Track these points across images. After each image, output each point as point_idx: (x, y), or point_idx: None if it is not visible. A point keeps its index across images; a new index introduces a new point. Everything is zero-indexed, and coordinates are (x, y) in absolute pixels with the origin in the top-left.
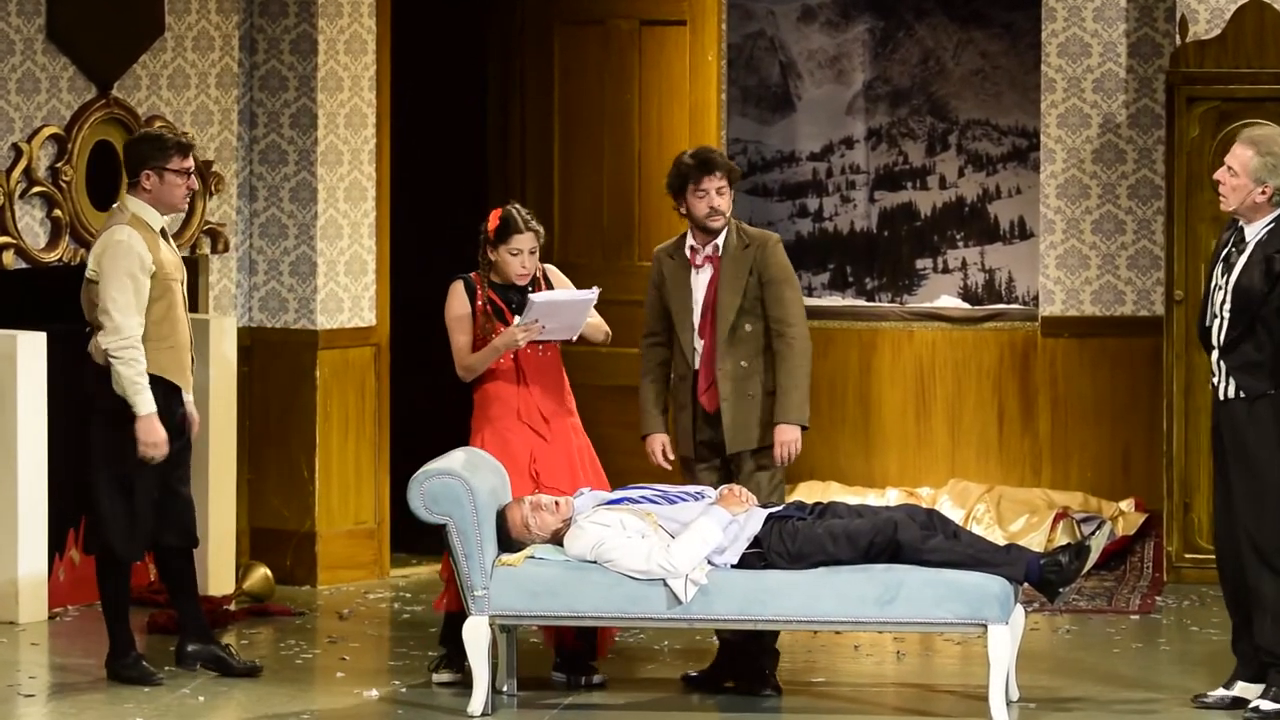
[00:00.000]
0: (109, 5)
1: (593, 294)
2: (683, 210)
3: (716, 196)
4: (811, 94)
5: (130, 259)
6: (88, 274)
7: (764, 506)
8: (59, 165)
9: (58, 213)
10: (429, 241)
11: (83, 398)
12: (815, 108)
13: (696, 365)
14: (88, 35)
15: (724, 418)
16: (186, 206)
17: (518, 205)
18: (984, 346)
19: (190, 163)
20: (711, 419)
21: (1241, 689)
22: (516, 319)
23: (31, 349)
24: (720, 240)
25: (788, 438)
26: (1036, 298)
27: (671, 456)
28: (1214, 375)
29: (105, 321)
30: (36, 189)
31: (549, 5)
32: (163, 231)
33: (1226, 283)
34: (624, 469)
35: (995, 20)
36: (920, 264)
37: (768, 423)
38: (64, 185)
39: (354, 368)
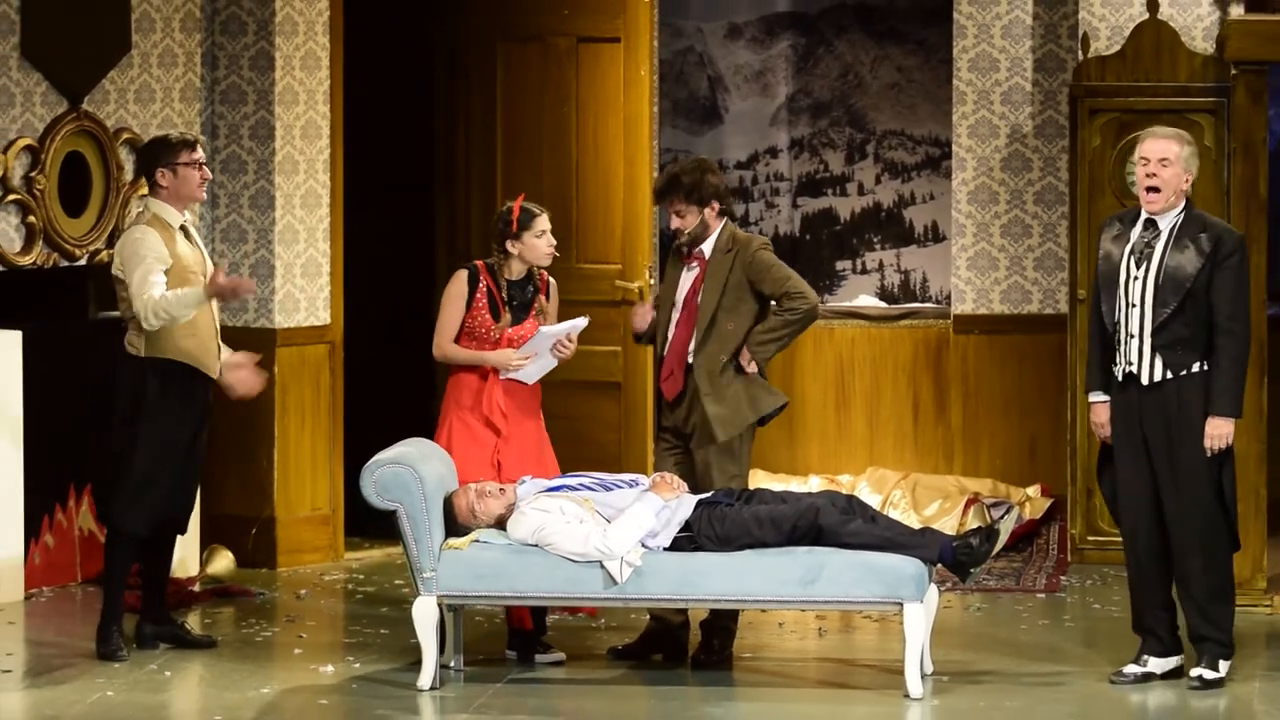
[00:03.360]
0: (79, 24)
1: (583, 321)
2: None
3: (675, 218)
4: (738, 106)
5: (145, 246)
6: (114, 273)
7: (694, 493)
8: (33, 175)
9: (31, 219)
10: (380, 246)
11: (113, 388)
12: (741, 119)
13: (664, 353)
14: (59, 52)
15: (700, 411)
16: (205, 195)
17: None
18: (900, 343)
19: (199, 154)
20: (671, 405)
21: (1153, 664)
22: (524, 344)
23: (7, 346)
24: (708, 245)
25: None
26: (949, 297)
27: None
28: (1129, 364)
29: (133, 303)
30: (11, 197)
31: (491, 23)
32: (184, 228)
33: (1145, 272)
34: (574, 457)
35: (910, 37)
36: (840, 265)
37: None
38: (37, 194)
39: (310, 364)
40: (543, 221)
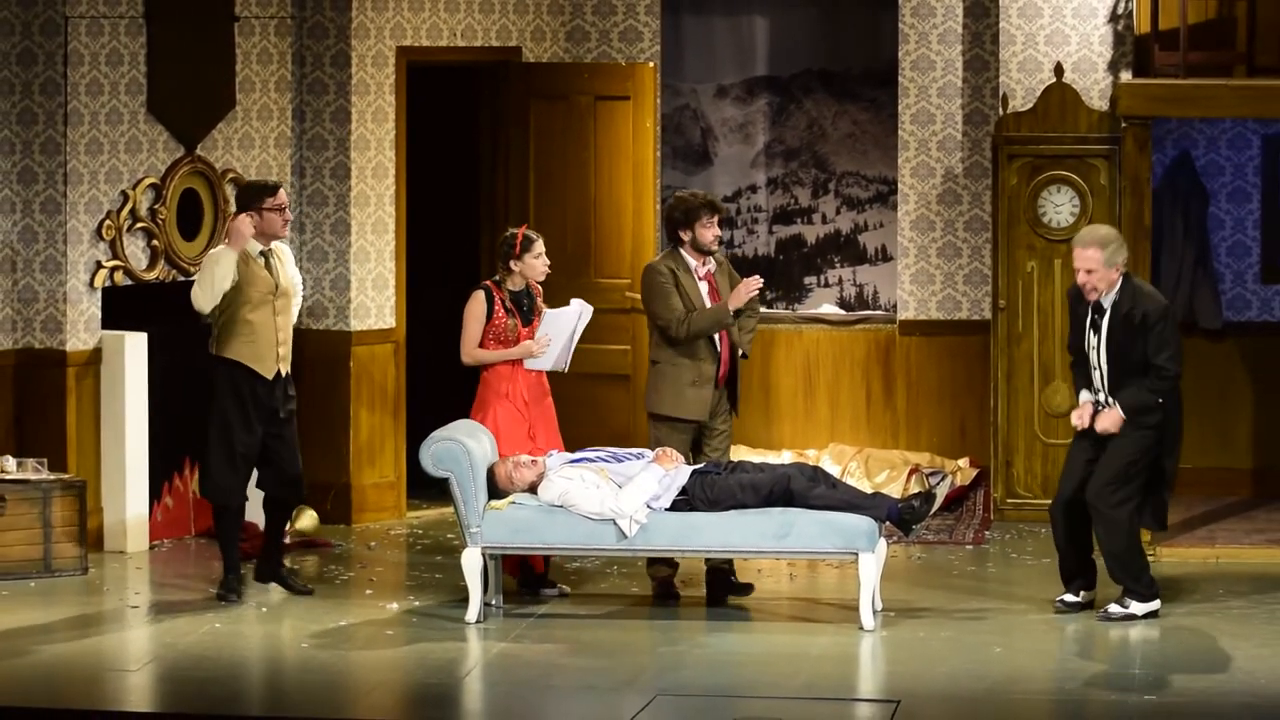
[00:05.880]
0: (194, 85)
1: (583, 305)
2: (686, 237)
3: (719, 228)
4: (725, 152)
5: (211, 261)
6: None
7: (689, 464)
8: (156, 207)
9: (155, 243)
10: (436, 264)
11: (200, 382)
12: (728, 162)
13: (719, 350)
14: (178, 108)
15: (731, 390)
16: (287, 233)
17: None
18: (855, 343)
19: (282, 199)
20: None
21: (1084, 596)
22: (537, 333)
23: (136, 345)
24: (711, 264)
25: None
26: (895, 306)
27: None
28: (1100, 403)
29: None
30: (139, 225)
31: (526, 85)
32: (264, 254)
33: (1099, 343)
34: (578, 435)
35: (863, 96)
36: (807, 280)
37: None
38: (160, 222)
39: (378, 360)
40: (539, 245)
